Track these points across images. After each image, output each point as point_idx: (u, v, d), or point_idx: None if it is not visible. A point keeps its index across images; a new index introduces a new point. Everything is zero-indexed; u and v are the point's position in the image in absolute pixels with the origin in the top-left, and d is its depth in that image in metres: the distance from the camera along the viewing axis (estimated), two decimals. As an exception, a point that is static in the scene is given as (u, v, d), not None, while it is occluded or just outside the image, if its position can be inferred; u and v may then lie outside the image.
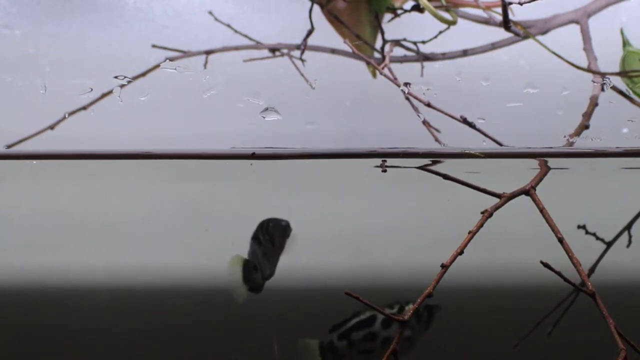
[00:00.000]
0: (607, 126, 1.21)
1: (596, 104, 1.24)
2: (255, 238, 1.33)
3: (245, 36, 1.45)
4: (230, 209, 1.59)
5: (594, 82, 1.27)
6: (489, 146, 1.20)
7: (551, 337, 1.44)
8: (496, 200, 1.09)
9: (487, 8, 1.37)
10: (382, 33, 1.39)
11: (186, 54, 1.42)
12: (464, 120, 1.20)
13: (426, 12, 1.33)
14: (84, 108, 1.33)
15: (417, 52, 1.41)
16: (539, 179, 1.13)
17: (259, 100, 1.17)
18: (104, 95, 1.32)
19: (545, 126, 1.38)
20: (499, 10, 1.30)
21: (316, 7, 1.40)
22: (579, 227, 1.40)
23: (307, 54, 1.42)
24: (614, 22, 1.42)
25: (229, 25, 1.46)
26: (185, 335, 1.59)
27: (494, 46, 1.41)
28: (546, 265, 1.00)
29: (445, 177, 1.11)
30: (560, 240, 1.05)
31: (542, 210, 1.08)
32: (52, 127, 1.35)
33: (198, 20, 1.55)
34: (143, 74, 1.38)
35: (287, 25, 1.54)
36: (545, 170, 1.16)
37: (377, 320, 1.28)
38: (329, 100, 1.44)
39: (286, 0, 1.59)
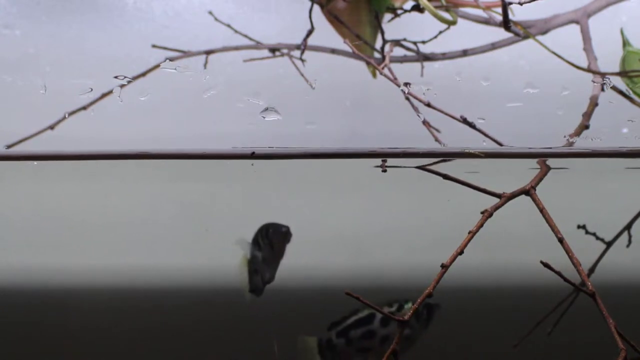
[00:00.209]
0: (607, 126, 1.21)
1: (596, 104, 1.24)
2: (255, 243, 1.33)
3: (245, 36, 1.45)
4: (230, 209, 1.59)
5: (594, 82, 1.27)
6: (489, 146, 1.20)
7: (551, 337, 1.44)
8: (496, 200, 1.09)
9: (487, 8, 1.37)
10: (382, 33, 1.39)
11: (186, 54, 1.42)
12: (464, 120, 1.20)
13: (426, 12, 1.33)
14: (84, 108, 1.33)
15: (417, 52, 1.41)
16: (539, 179, 1.13)
17: (259, 100, 1.17)
18: (104, 95, 1.32)
19: (545, 126, 1.38)
20: (499, 10, 1.30)
21: (316, 7, 1.40)
22: (579, 227, 1.40)
23: (307, 54, 1.42)
24: (614, 22, 1.42)
25: (229, 25, 1.46)
26: (185, 335, 1.59)
27: (494, 46, 1.41)
28: (546, 265, 1.00)
29: (445, 177, 1.11)
30: (560, 240, 1.05)
31: (542, 210, 1.08)
32: (52, 127, 1.34)
33: (198, 20, 1.55)
34: (143, 74, 1.38)
35: (287, 25, 1.54)
36: (545, 170, 1.16)
37: (376, 319, 1.28)
38: (329, 100, 1.44)
39: (286, 0, 1.59)
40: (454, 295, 1.24)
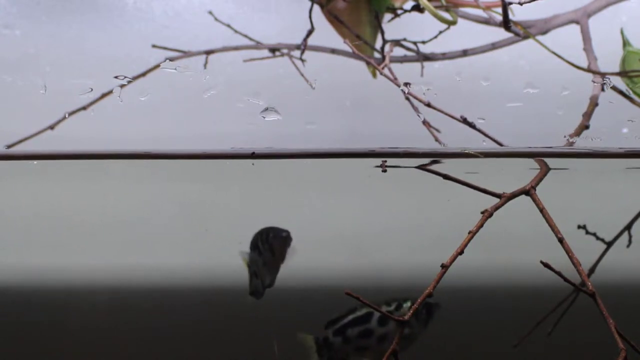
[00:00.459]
0: (607, 126, 1.21)
1: (596, 104, 1.24)
2: (255, 247, 1.33)
3: (245, 36, 1.45)
4: (230, 209, 1.59)
5: (594, 82, 1.27)
6: (489, 146, 1.20)
7: (551, 337, 1.44)
8: (496, 200, 1.09)
9: (487, 8, 1.37)
10: (382, 33, 1.39)
11: (186, 54, 1.42)
12: (464, 120, 1.20)
13: (426, 12, 1.33)
14: (84, 108, 1.33)
15: (417, 52, 1.41)
16: (539, 179, 1.13)
17: (259, 100, 1.17)
18: (104, 95, 1.32)
19: (545, 126, 1.38)
20: (499, 10, 1.30)
21: (316, 7, 1.40)
22: (579, 227, 1.40)
23: (307, 54, 1.42)
24: (614, 22, 1.42)
25: (229, 25, 1.46)
26: (184, 335, 1.59)
27: (494, 46, 1.41)
28: (546, 265, 1.00)
29: (445, 177, 1.11)
30: (560, 240, 1.05)
31: (542, 210, 1.08)
32: (52, 127, 1.35)
33: (198, 20, 1.55)
34: (143, 74, 1.38)
35: (287, 25, 1.54)
36: (545, 170, 1.16)
37: (373, 317, 1.28)
38: (329, 100, 1.44)
39: (286, 0, 1.59)
40: (454, 295, 1.24)
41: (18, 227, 1.60)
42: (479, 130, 1.20)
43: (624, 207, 1.49)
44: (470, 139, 1.20)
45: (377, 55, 1.40)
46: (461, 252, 1.04)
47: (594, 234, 1.43)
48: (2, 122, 1.42)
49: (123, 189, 1.57)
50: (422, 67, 1.41)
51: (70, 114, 1.33)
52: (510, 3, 1.25)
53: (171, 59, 1.39)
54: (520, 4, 1.23)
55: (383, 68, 1.26)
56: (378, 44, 1.40)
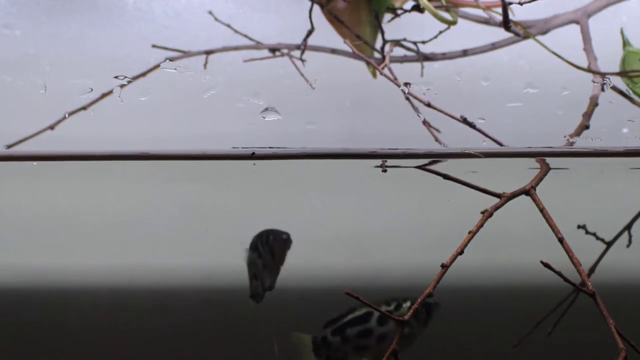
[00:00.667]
0: (607, 126, 1.21)
1: (596, 104, 1.24)
2: (255, 249, 1.33)
3: (245, 36, 1.45)
4: (231, 209, 1.59)
5: (594, 82, 1.27)
6: (489, 146, 1.20)
7: (551, 337, 1.44)
8: (496, 200, 1.09)
9: (487, 8, 1.37)
10: (382, 33, 1.39)
11: (186, 54, 1.42)
12: (464, 120, 1.20)
13: (426, 12, 1.33)
14: (84, 108, 1.33)
15: (417, 52, 1.41)
16: (539, 179, 1.13)
17: (259, 100, 1.17)
18: (104, 95, 1.32)
19: (545, 126, 1.38)
20: (499, 10, 1.30)
21: (316, 7, 1.40)
22: (579, 227, 1.40)
23: (307, 54, 1.42)
24: (614, 22, 1.42)
25: (229, 25, 1.46)
26: (184, 335, 1.59)
27: (494, 46, 1.41)
28: (546, 265, 1.00)
29: (445, 177, 1.11)
30: (560, 240, 1.05)
31: (542, 210, 1.08)
32: (52, 127, 1.35)
33: (198, 20, 1.55)
34: (143, 74, 1.38)
35: (287, 25, 1.54)
36: (545, 170, 1.16)
37: (373, 317, 1.28)
38: (329, 100, 1.44)
39: (286, 0, 1.59)
40: (454, 295, 1.24)
41: (18, 227, 1.60)
42: (479, 130, 1.20)
43: (624, 207, 1.49)
44: (470, 139, 1.20)
45: (377, 55, 1.40)
46: (461, 252, 1.04)
47: (594, 234, 1.43)
48: (2, 122, 1.42)
49: (123, 189, 1.57)
50: (422, 67, 1.41)
51: (70, 114, 1.33)
52: (510, 3, 1.25)
53: (171, 59, 1.39)
54: (520, 4, 1.23)
55: (383, 68, 1.26)
56: (378, 44, 1.40)
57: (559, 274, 0.99)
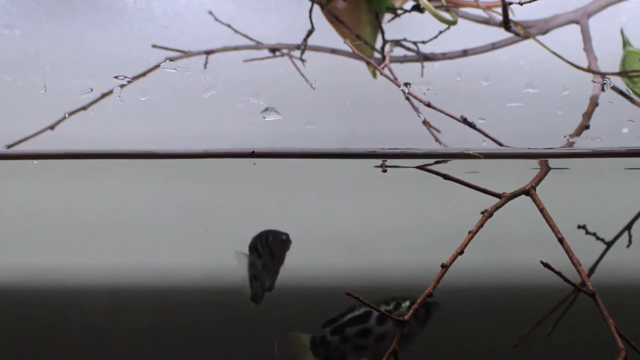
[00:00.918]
0: (607, 126, 1.21)
1: (596, 104, 1.24)
2: (254, 250, 1.32)
3: (245, 36, 1.45)
4: (231, 209, 1.59)
5: (594, 82, 1.27)
6: (489, 146, 1.20)
7: (551, 337, 1.44)
8: (496, 200, 1.09)
9: (487, 8, 1.37)
10: (382, 33, 1.39)
11: (186, 54, 1.42)
12: (464, 120, 1.20)
13: (426, 12, 1.33)
14: (84, 108, 1.33)
15: (417, 52, 1.41)
16: (539, 179, 1.13)
17: (259, 100, 1.17)
18: (104, 95, 1.32)
19: (545, 126, 1.38)
20: (499, 10, 1.30)
21: (316, 7, 1.40)
22: (579, 227, 1.40)
23: (307, 54, 1.42)
24: (614, 22, 1.42)
25: (229, 25, 1.46)
26: (184, 335, 1.59)
27: (494, 46, 1.41)
28: (546, 265, 1.00)
29: (445, 177, 1.11)
30: (560, 240, 1.05)
31: (542, 210, 1.08)
32: (52, 127, 1.35)
33: (198, 20, 1.55)
34: (143, 74, 1.38)
35: (287, 25, 1.54)
36: (545, 170, 1.16)
37: (372, 317, 1.28)
38: (329, 100, 1.44)
39: (286, 0, 1.59)
40: (454, 295, 1.24)
41: (18, 227, 1.60)
42: (479, 130, 1.20)
43: (624, 207, 1.49)
44: (470, 139, 1.20)
45: (377, 55, 1.40)
46: (461, 252, 1.04)
47: (594, 234, 1.43)
48: (2, 122, 1.42)
49: (123, 189, 1.57)
50: (422, 67, 1.41)
51: (70, 114, 1.33)
52: (510, 3, 1.25)
53: (171, 59, 1.39)
54: (521, 4, 1.23)
55: (383, 68, 1.27)
56: (378, 44, 1.40)
57: (559, 274, 0.99)
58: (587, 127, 1.23)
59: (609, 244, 1.45)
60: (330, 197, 1.58)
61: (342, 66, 1.43)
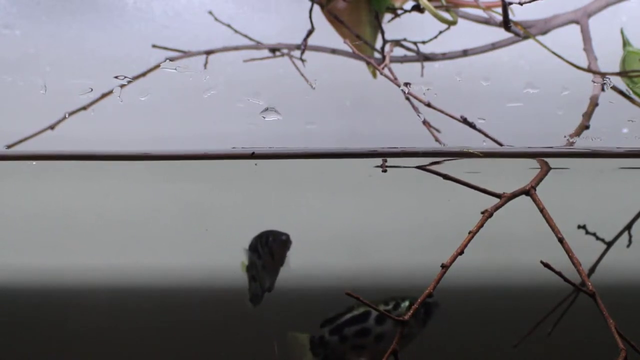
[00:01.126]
0: (607, 126, 1.21)
1: (596, 104, 1.24)
2: (254, 250, 1.32)
3: (245, 36, 1.45)
4: (231, 209, 1.59)
5: (594, 82, 1.27)
6: (489, 146, 1.20)
7: (551, 337, 1.44)
8: (496, 200, 1.09)
9: (487, 8, 1.37)
10: (382, 33, 1.39)
11: (186, 54, 1.42)
12: (464, 120, 1.20)
13: (426, 12, 1.33)
14: (84, 108, 1.33)
15: (417, 52, 1.41)
16: (539, 179, 1.13)
17: (259, 100, 1.17)
18: (104, 95, 1.32)
19: (545, 126, 1.38)
20: (499, 10, 1.30)
21: (316, 7, 1.40)
22: (579, 227, 1.40)
23: (307, 54, 1.42)
24: (614, 22, 1.42)
25: (229, 25, 1.46)
26: (184, 335, 1.59)
27: (494, 46, 1.41)
28: (546, 265, 1.00)
29: (445, 177, 1.11)
30: (561, 240, 1.05)
31: (542, 210, 1.08)
32: (52, 127, 1.35)
33: (198, 20, 1.55)
34: (143, 74, 1.38)
35: (287, 25, 1.54)
36: (545, 170, 1.16)
37: (371, 316, 1.28)
38: (329, 100, 1.44)
39: (286, 0, 1.59)
40: (454, 295, 1.24)
41: (18, 227, 1.60)
42: (479, 130, 1.20)
43: (624, 207, 1.49)
44: (470, 139, 1.20)
45: (377, 55, 1.40)
46: (461, 252, 1.04)
47: (594, 234, 1.42)
48: (2, 122, 1.42)
49: (123, 189, 1.57)
50: (422, 67, 1.41)
51: (70, 114, 1.33)
52: (510, 3, 1.25)
53: (171, 59, 1.39)
54: (521, 4, 1.23)
55: (383, 68, 1.26)
56: (378, 44, 1.40)
57: (559, 274, 0.99)
58: (587, 127, 1.23)
59: (609, 244, 1.45)
60: (330, 197, 1.58)
61: (342, 66, 1.43)
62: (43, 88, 1.24)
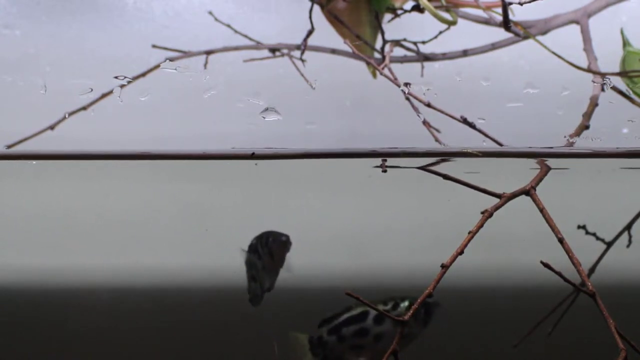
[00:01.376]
0: (607, 126, 1.21)
1: (596, 104, 1.24)
2: (254, 251, 1.32)
3: (245, 36, 1.45)
4: (231, 209, 1.59)
5: (594, 82, 1.27)
6: (489, 146, 1.20)
7: (551, 337, 1.44)
8: (496, 200, 1.09)
9: (487, 8, 1.37)
10: (382, 33, 1.39)
11: (186, 54, 1.42)
12: (464, 120, 1.20)
13: (426, 12, 1.33)
14: (84, 108, 1.33)
15: (417, 52, 1.41)
16: (539, 179, 1.13)
17: (259, 100, 1.17)
18: (104, 95, 1.32)
19: (545, 126, 1.38)
20: (499, 10, 1.30)
21: (316, 7, 1.40)
22: (579, 227, 1.40)
23: (307, 54, 1.42)
24: (614, 22, 1.42)
25: (229, 25, 1.46)
26: (184, 335, 1.59)
27: (494, 46, 1.41)
28: (546, 265, 1.00)
29: (445, 177, 1.11)
30: (560, 241, 1.05)
31: (542, 210, 1.08)
32: (52, 127, 1.35)
33: (198, 20, 1.55)
34: (143, 74, 1.38)
35: (287, 25, 1.54)
36: (545, 170, 1.16)
37: (369, 316, 1.28)
38: (329, 100, 1.44)
39: (286, 0, 1.59)
40: (454, 295, 1.24)
41: (18, 227, 1.60)
42: (479, 130, 1.20)
43: (624, 207, 1.49)
44: (470, 139, 1.20)
45: (377, 55, 1.40)
46: (461, 252, 1.04)
47: (594, 234, 1.42)
48: (2, 122, 1.42)
49: (123, 189, 1.57)
50: (422, 67, 1.41)
51: (70, 114, 1.33)
52: (510, 3, 1.25)
53: (171, 59, 1.39)
54: (520, 4, 1.23)
55: (383, 68, 1.27)
56: (378, 44, 1.40)
57: (559, 274, 0.99)
58: (587, 127, 1.23)
59: (609, 244, 1.45)
60: (330, 197, 1.58)
61: (342, 66, 1.43)
62: (43, 88, 1.24)
